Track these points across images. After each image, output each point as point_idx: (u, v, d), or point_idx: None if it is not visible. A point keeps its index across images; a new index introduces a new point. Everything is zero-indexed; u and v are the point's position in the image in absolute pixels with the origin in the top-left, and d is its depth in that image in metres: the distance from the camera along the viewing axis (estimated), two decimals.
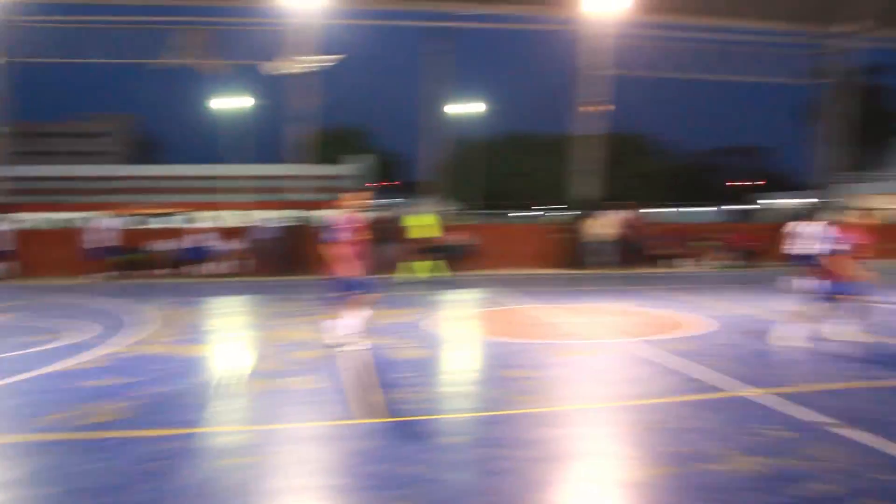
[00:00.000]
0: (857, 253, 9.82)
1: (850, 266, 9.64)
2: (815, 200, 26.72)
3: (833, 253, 10.02)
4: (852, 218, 10.16)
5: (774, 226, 28.78)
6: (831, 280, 9.66)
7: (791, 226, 14.11)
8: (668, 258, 23.78)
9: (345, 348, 8.86)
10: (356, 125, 79.23)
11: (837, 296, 9.80)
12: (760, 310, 13.12)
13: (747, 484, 4.70)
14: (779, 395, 6.93)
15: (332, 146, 54.95)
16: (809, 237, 12.39)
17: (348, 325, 9.13)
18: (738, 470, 4.95)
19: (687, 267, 23.37)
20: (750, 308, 13.39)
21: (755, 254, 24.70)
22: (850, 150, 58.07)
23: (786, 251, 13.92)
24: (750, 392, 7.02)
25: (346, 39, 24.34)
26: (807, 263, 12.18)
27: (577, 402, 6.83)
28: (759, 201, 66.75)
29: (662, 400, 6.76)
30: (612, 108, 23.17)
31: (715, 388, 7.19)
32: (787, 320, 10.33)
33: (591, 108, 23.12)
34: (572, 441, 5.65)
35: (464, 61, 38.26)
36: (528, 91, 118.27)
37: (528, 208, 58.67)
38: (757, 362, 8.53)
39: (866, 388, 7.34)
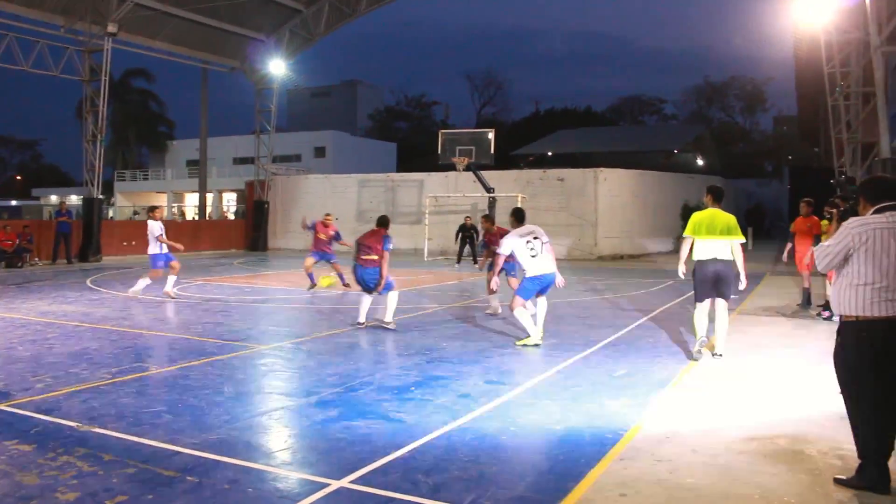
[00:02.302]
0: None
1: None
2: (96, 197, 26.75)
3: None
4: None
5: (45, 223, 27.97)
6: None
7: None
8: None
9: None
10: None
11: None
12: (18, 313, 12.53)
13: None
14: (22, 404, 6.52)
15: None
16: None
17: None
18: None
19: None
20: (8, 311, 12.66)
21: (26, 252, 23.61)
22: (123, 149, 59.61)
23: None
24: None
25: None
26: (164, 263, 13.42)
27: None
28: (46, 197, 64.39)
29: None
30: None
31: None
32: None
33: None
34: None
35: None
36: None
37: None
38: (5, 371, 7.95)
39: (111, 384, 7.44)
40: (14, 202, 67.01)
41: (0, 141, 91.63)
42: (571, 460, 5.24)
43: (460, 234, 24.71)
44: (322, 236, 15.77)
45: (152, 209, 15.09)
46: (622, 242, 28.85)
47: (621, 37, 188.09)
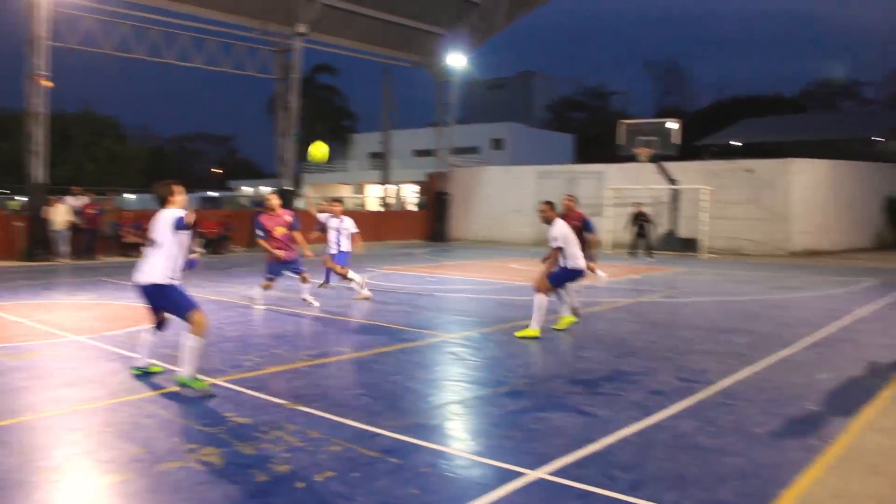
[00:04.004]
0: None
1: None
2: (284, 189, 28.41)
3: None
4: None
5: (242, 212, 29.92)
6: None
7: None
8: (141, 246, 23.12)
9: None
10: None
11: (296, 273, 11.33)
12: (224, 296, 13.44)
13: (205, 477, 4.58)
14: (235, 380, 7.03)
15: None
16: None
17: None
18: (195, 464, 4.81)
19: None
20: (216, 294, 13.61)
21: (226, 240, 25.35)
22: (310, 142, 62.55)
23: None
24: (210, 380, 6.92)
25: None
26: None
27: (30, 412, 6.07)
28: (239, 189, 68.85)
29: (122, 399, 6.33)
30: (50, 84, 21.26)
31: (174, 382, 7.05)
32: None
33: (39, 82, 21.08)
34: (25, 459, 4.95)
35: None
36: None
37: None
38: (218, 349, 8.58)
39: (311, 365, 7.86)
40: (214, 193, 72.16)
41: (201, 137, 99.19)
42: (775, 466, 5.00)
43: (634, 223, 24.11)
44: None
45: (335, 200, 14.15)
46: (816, 238, 27.15)
47: (813, 15, 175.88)
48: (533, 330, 9.54)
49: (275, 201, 11.85)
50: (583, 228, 11.63)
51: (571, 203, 11.91)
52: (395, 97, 40.20)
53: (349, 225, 13.23)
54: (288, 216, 11.78)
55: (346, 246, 13.20)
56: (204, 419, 5.84)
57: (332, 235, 13.15)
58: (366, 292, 13.01)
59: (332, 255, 13.14)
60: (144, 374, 7.08)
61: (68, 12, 22.72)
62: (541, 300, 9.60)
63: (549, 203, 9.99)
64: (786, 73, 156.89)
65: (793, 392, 6.96)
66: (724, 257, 25.61)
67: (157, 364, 7.26)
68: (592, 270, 13.67)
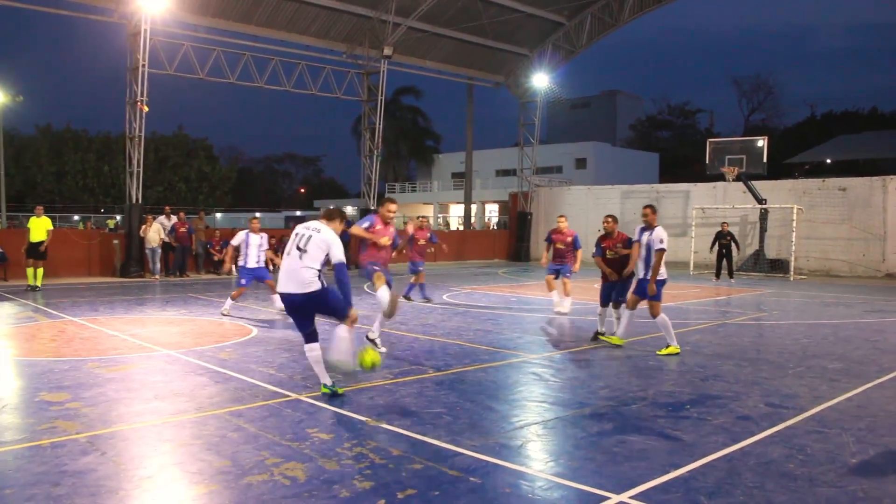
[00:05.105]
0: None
1: None
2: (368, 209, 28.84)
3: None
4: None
5: None
6: None
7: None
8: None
9: None
10: None
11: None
12: None
13: (289, 492, 4.66)
14: (318, 397, 7.16)
15: None
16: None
17: None
18: (279, 478, 4.91)
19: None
20: None
21: None
22: (394, 162, 63.26)
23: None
24: (294, 396, 7.15)
25: None
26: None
27: (124, 423, 6.28)
28: (319, 208, 70.18)
29: (209, 412, 6.53)
30: (147, 109, 22.06)
31: (260, 396, 7.18)
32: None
33: (140, 107, 21.96)
34: (119, 468, 5.19)
35: None
36: (68, 84, 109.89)
37: (67, 210, 53.12)
38: (301, 366, 8.71)
39: (393, 383, 7.91)
40: (299, 213, 73.85)
41: (289, 158, 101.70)
42: (873, 499, 4.78)
43: (717, 243, 22.93)
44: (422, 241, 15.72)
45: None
46: None
47: None
48: (673, 347, 9.76)
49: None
50: (623, 247, 11.09)
51: (614, 225, 11.29)
52: (477, 117, 40.44)
53: (265, 242, 13.61)
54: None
55: (262, 261, 13.47)
56: (288, 434, 5.95)
57: (252, 251, 13.30)
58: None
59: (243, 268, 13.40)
60: (333, 395, 7.20)
61: (166, 41, 23.69)
62: (663, 320, 9.74)
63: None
64: (882, 87, 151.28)
65: (891, 421, 6.65)
66: (813, 278, 24.77)
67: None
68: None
